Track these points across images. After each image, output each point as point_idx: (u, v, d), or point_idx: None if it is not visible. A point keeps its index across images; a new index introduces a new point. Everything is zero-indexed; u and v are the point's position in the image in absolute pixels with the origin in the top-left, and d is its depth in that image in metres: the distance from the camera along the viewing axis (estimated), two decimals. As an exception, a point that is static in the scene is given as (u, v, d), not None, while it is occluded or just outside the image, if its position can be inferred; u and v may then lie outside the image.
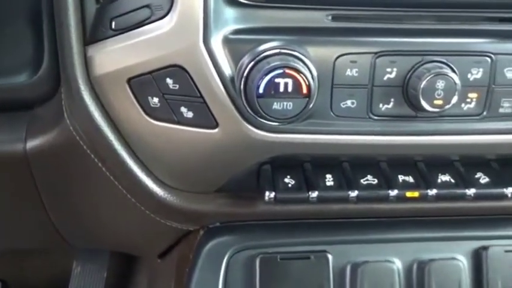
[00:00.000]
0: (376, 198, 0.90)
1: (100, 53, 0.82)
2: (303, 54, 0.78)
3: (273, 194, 0.87)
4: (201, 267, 0.94)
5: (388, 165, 0.93)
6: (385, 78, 0.81)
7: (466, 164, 0.94)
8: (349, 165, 0.92)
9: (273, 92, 0.76)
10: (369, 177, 0.91)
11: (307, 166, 0.91)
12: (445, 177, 0.92)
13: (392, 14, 0.82)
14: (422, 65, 0.80)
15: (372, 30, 0.82)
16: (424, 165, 0.93)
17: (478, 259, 0.98)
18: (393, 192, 0.89)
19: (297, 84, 0.76)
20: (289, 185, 0.89)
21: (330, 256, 0.95)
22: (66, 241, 1.20)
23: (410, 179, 0.91)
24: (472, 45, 0.82)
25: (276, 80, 0.76)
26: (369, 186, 0.90)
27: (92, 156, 0.91)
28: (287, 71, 0.76)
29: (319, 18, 0.82)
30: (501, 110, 0.84)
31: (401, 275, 0.97)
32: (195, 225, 1.00)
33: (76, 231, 1.17)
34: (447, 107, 0.80)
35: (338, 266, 0.95)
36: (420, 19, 0.83)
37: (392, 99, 0.82)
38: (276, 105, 0.77)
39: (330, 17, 0.82)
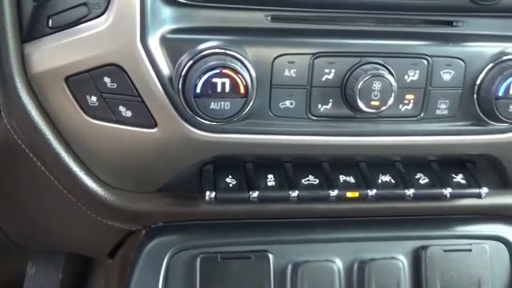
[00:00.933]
0: (317, 198, 0.91)
1: (37, 51, 0.81)
2: (241, 55, 0.78)
3: (213, 194, 0.88)
4: (142, 267, 0.93)
5: (330, 165, 0.94)
6: (323, 79, 0.82)
7: (407, 165, 0.95)
8: (291, 166, 0.93)
9: (210, 92, 0.76)
10: (311, 177, 0.92)
11: (249, 166, 0.92)
12: (385, 178, 0.93)
13: (332, 15, 0.83)
14: (360, 66, 0.81)
15: (310, 31, 0.83)
16: (366, 166, 0.94)
17: (417, 258, 1.00)
18: (333, 192, 0.90)
19: (234, 85, 0.77)
20: (230, 185, 0.89)
21: (270, 256, 0.95)
22: (15, 243, 1.18)
23: (351, 179, 0.92)
24: (409, 48, 0.83)
25: (213, 80, 0.76)
26: (310, 186, 0.91)
27: (31, 155, 0.90)
28: (224, 71, 0.76)
29: (259, 18, 0.82)
30: (438, 112, 0.86)
31: (342, 275, 0.98)
32: (137, 225, 0.99)
33: (23, 233, 1.16)
34: (383, 108, 0.81)
35: (279, 265, 0.96)
36: (359, 21, 0.84)
37: (330, 100, 0.83)
38: (213, 105, 0.77)
39: (269, 18, 0.82)
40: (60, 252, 1.47)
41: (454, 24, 0.86)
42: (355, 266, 0.98)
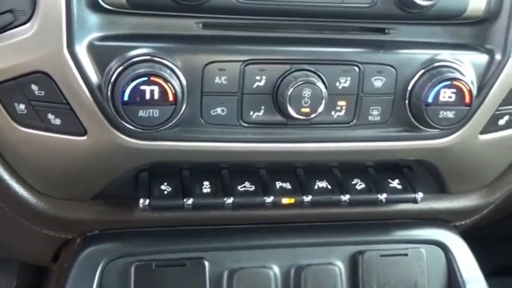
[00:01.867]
0: (252, 205, 0.91)
1: None
2: (170, 62, 0.79)
3: (147, 202, 0.88)
4: (75, 276, 0.93)
5: (268, 171, 0.94)
6: (255, 86, 0.82)
7: (345, 170, 0.96)
8: (229, 172, 0.93)
9: (138, 99, 0.76)
10: (247, 184, 0.92)
11: (185, 173, 0.92)
12: (322, 184, 0.94)
13: (263, 22, 0.84)
14: (290, 73, 0.82)
15: (242, 38, 0.83)
16: (304, 172, 0.95)
17: (354, 263, 1.00)
18: (269, 199, 0.90)
19: (163, 92, 0.77)
20: (165, 192, 0.89)
21: (206, 263, 0.95)
22: None
23: (287, 185, 0.93)
24: (340, 55, 0.84)
25: (142, 88, 0.76)
26: (246, 193, 0.91)
27: None
28: (152, 78, 0.76)
29: (190, 25, 0.82)
30: (370, 118, 0.87)
31: (279, 281, 0.98)
32: (73, 234, 0.99)
33: None
34: (314, 115, 0.82)
35: (215, 272, 0.96)
36: (291, 28, 0.85)
37: (263, 107, 0.84)
38: (142, 113, 0.77)
39: (200, 25, 0.83)
40: (13, 260, 1.45)
41: (386, 31, 0.87)
42: (292, 272, 0.98)
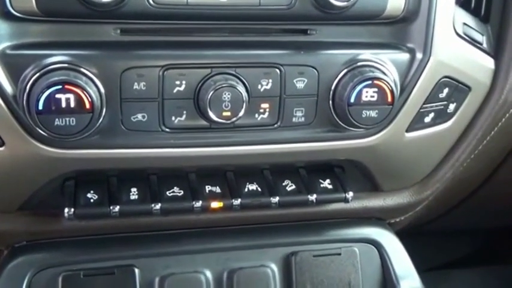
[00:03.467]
0: (181, 210, 0.91)
1: None
2: (87, 69, 0.78)
3: (72, 210, 0.87)
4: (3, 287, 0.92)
5: (197, 176, 0.94)
6: (175, 91, 0.82)
7: (276, 172, 0.97)
8: (158, 178, 0.93)
9: (54, 108, 0.76)
10: (176, 189, 0.92)
11: (113, 180, 0.92)
12: (252, 186, 0.95)
13: (183, 26, 0.84)
14: (211, 77, 0.82)
15: (160, 43, 0.83)
16: (234, 175, 0.95)
17: (287, 265, 1.01)
18: (198, 203, 0.91)
19: (79, 100, 0.76)
20: (91, 200, 0.89)
21: (136, 270, 0.95)
22: None
23: (217, 189, 0.94)
24: (260, 57, 0.85)
25: (57, 96, 0.75)
26: (174, 198, 0.91)
27: None
28: (67, 86, 0.76)
29: (107, 31, 0.82)
30: (294, 120, 0.88)
31: (211, 285, 0.98)
32: (0, 245, 0.97)
33: None
34: (235, 118, 0.82)
35: (146, 279, 0.96)
36: (211, 31, 0.85)
37: (184, 112, 0.84)
38: (58, 121, 0.77)
39: (118, 31, 0.82)
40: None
41: (308, 32, 0.87)
42: (225, 276, 0.99)
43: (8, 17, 0.77)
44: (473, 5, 0.95)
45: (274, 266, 1.01)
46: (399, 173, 1.02)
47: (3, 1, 0.76)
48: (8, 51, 0.77)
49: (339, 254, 1.02)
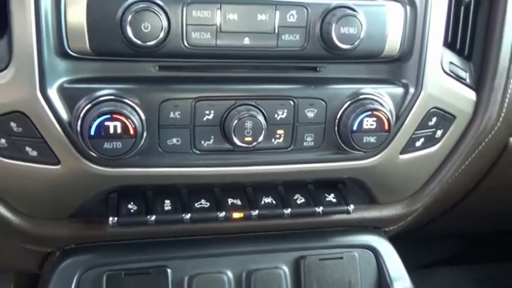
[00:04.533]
0: (207, 219, 0.92)
1: None
2: (131, 100, 0.80)
3: (115, 219, 0.88)
4: (54, 285, 0.92)
5: (221, 190, 0.95)
6: (205, 119, 0.84)
7: (287, 187, 0.97)
8: (187, 192, 0.94)
9: (103, 134, 0.77)
10: (203, 201, 0.93)
11: (149, 193, 0.92)
12: (268, 199, 0.95)
13: (212, 64, 0.85)
14: (235, 107, 0.83)
15: (192, 78, 0.84)
16: (252, 190, 0.96)
17: (297, 267, 1.01)
18: (221, 214, 0.92)
19: (124, 127, 0.78)
20: (132, 210, 0.90)
21: (169, 270, 0.95)
22: None
23: (238, 201, 0.94)
24: (277, 91, 0.86)
25: (106, 123, 0.77)
26: (201, 209, 0.92)
27: None
28: (115, 115, 0.77)
29: (147, 68, 0.83)
30: (305, 144, 0.88)
31: (232, 284, 0.99)
32: (52, 248, 0.98)
33: None
34: (255, 143, 0.84)
35: (176, 279, 0.96)
36: (234, 68, 0.86)
37: (212, 137, 0.85)
38: (106, 145, 0.78)
39: (156, 67, 0.83)
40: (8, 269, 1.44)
41: (317, 69, 0.88)
42: (244, 276, 0.99)
43: (65, 56, 0.78)
44: (458, 46, 0.95)
45: (285, 268, 1.01)
46: (393, 188, 1.02)
47: (62, 43, 0.77)
48: (65, 85, 0.79)
49: (341, 258, 1.03)
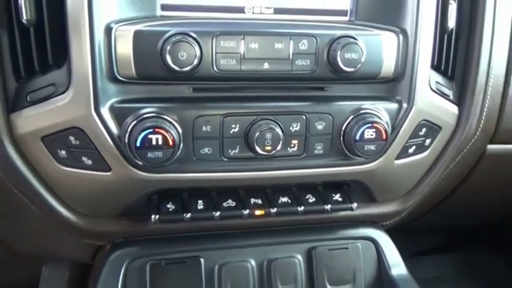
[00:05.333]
0: (233, 216, 0.92)
1: (20, 119, 0.81)
2: (170, 117, 0.80)
3: (157, 217, 0.88)
4: (106, 273, 0.93)
5: (245, 191, 0.95)
6: (231, 132, 0.84)
7: (300, 188, 0.97)
8: (216, 193, 0.93)
9: (147, 145, 0.78)
10: (230, 201, 0.93)
11: (185, 195, 0.92)
12: (284, 199, 0.95)
13: (237, 85, 0.85)
14: (256, 122, 0.84)
15: (221, 98, 0.85)
16: (271, 191, 0.96)
17: (309, 256, 1.01)
18: (245, 212, 0.91)
19: (164, 139, 0.78)
20: (170, 210, 0.89)
21: (202, 260, 0.95)
22: (17, 253, 1.15)
23: (259, 201, 0.93)
24: (292, 108, 0.86)
25: (149, 136, 0.78)
26: (229, 208, 0.92)
27: (20, 195, 0.88)
28: (157, 129, 0.78)
29: (183, 89, 0.84)
30: (315, 152, 0.88)
31: (255, 271, 0.98)
32: (104, 241, 0.98)
33: (28, 249, 1.13)
34: (274, 151, 0.84)
35: (208, 267, 0.96)
36: (256, 88, 0.86)
37: (237, 146, 0.85)
38: (150, 154, 0.79)
39: (191, 89, 0.84)
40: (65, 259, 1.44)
41: (325, 89, 0.88)
42: (265, 264, 0.98)
43: (115, 80, 0.79)
44: (443, 68, 0.95)
45: (300, 257, 1.00)
46: (390, 189, 1.01)
47: (112, 70, 0.78)
48: (115, 105, 0.80)
49: (347, 248, 1.02)
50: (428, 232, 1.81)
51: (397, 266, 1.03)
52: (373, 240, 1.04)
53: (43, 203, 0.88)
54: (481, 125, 1.00)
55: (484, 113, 0.99)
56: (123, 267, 0.93)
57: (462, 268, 1.85)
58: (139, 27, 0.77)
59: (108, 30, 0.76)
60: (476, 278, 1.83)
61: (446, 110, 0.95)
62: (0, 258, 1.28)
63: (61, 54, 0.78)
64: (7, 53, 0.79)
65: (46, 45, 0.78)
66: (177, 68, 0.77)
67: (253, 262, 0.98)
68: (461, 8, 0.94)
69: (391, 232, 1.09)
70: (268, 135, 0.83)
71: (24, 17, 0.75)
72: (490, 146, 1.07)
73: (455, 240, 1.87)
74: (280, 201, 0.94)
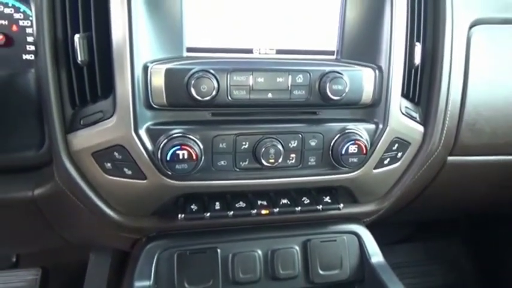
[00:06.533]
0: (244, 215, 0.91)
1: (75, 138, 0.81)
2: (194, 136, 0.80)
3: (182, 216, 0.88)
4: (142, 260, 0.92)
5: (253, 195, 0.94)
6: (242, 148, 0.83)
7: (297, 192, 0.96)
8: (230, 196, 0.93)
9: (175, 159, 0.78)
10: (241, 202, 0.92)
11: (205, 198, 0.92)
12: (284, 200, 0.93)
13: (247, 111, 0.85)
14: (262, 140, 0.84)
15: (234, 121, 0.84)
16: (274, 194, 0.95)
17: (305, 247, 1.00)
18: (254, 211, 0.90)
19: (189, 154, 0.78)
20: (194, 210, 0.89)
21: (219, 250, 0.95)
22: (70, 243, 1.15)
23: (264, 202, 0.92)
24: (290, 128, 0.85)
25: (177, 152, 0.78)
26: (240, 208, 0.91)
27: (74, 198, 0.89)
28: (183, 146, 0.78)
29: (204, 114, 0.83)
30: (309, 163, 0.88)
31: (261, 259, 0.97)
32: (140, 235, 0.98)
33: (77, 238, 1.12)
34: (277, 163, 0.83)
35: (224, 256, 0.95)
36: (261, 113, 0.86)
37: (247, 159, 0.84)
38: (178, 166, 0.79)
39: (210, 114, 0.84)
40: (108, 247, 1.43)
41: (316, 113, 0.88)
42: (269, 253, 0.97)
43: (150, 108, 0.79)
44: (411, 96, 0.94)
45: (297, 248, 0.99)
46: (369, 192, 1.01)
47: (148, 99, 0.78)
48: (150, 127, 0.80)
49: (335, 241, 1.01)
50: (401, 225, 1.80)
51: (376, 255, 1.01)
52: (356, 234, 1.03)
53: (92, 204, 0.88)
54: (442, 141, 0.99)
55: (445, 131, 0.99)
56: (156, 256, 0.92)
57: (428, 254, 1.83)
58: (170, 65, 0.77)
59: (145, 68, 0.77)
60: (440, 262, 1.81)
61: (414, 129, 0.95)
62: (57, 247, 1.28)
63: (108, 88, 0.79)
64: (65, 86, 0.80)
65: (96, 80, 0.79)
66: (199, 98, 0.77)
67: (259, 252, 0.97)
68: (425, 48, 0.94)
69: (371, 226, 1.08)
70: (272, 151, 0.83)
71: (79, 58, 0.76)
72: (450, 158, 1.06)
73: (423, 231, 1.85)
74: (281, 203, 0.93)
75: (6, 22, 0.93)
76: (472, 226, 1.79)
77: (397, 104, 0.89)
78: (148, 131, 0.79)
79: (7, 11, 0.93)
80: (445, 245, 1.85)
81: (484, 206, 1.44)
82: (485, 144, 1.05)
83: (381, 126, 0.89)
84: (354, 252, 1.02)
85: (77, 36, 0.75)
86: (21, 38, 0.93)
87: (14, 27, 0.93)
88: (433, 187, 1.14)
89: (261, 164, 0.83)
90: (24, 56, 0.94)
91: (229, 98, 0.80)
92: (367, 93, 0.86)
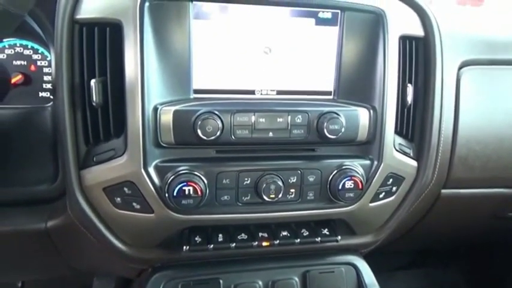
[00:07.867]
0: (245, 247, 0.92)
1: (88, 174, 0.83)
2: (199, 173, 0.82)
3: (187, 247, 0.89)
4: None
5: (254, 227, 0.95)
6: (244, 183, 0.85)
7: (297, 225, 0.97)
8: (232, 228, 0.94)
9: (181, 194, 0.80)
10: (243, 234, 0.93)
11: (209, 230, 0.93)
12: (284, 232, 0.95)
13: (249, 148, 0.87)
14: (263, 176, 0.86)
15: (237, 158, 0.87)
16: (274, 226, 0.96)
17: (304, 278, 1.00)
18: (255, 243, 0.92)
19: (195, 190, 0.81)
20: (198, 241, 0.90)
21: (221, 281, 0.95)
22: (78, 271, 1.15)
23: (265, 234, 0.93)
24: (290, 165, 0.87)
25: (183, 188, 0.80)
26: (242, 240, 0.92)
27: (85, 231, 0.91)
28: (189, 183, 0.80)
29: (209, 152, 0.86)
30: (308, 198, 0.89)
31: None
32: (146, 266, 0.98)
33: (86, 267, 1.13)
34: (277, 198, 0.85)
35: (226, 286, 0.95)
36: (262, 150, 0.88)
37: (249, 194, 0.86)
38: (184, 201, 0.81)
39: (214, 152, 0.86)
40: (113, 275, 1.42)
41: (314, 150, 0.90)
42: (269, 284, 0.97)
43: (159, 146, 0.82)
44: (404, 133, 0.97)
45: (297, 278, 0.99)
46: (366, 225, 1.02)
47: (157, 138, 0.81)
48: (158, 164, 0.82)
49: (333, 272, 1.01)
50: (397, 253, 1.80)
51: (373, 285, 1.02)
52: (353, 265, 1.03)
53: (102, 236, 0.89)
54: (435, 175, 1.01)
55: (437, 166, 1.01)
56: (161, 286, 0.92)
57: (428, 281, 1.82)
58: (178, 107, 0.80)
59: (155, 110, 0.80)
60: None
61: (408, 165, 0.96)
62: (62, 274, 1.29)
63: (120, 127, 0.81)
64: (80, 125, 0.83)
65: (109, 120, 0.82)
66: (205, 138, 0.80)
67: (260, 282, 0.97)
68: (417, 89, 0.97)
69: (371, 253, 1.08)
70: (273, 186, 0.84)
71: (95, 101, 0.79)
72: (443, 191, 1.08)
73: (422, 258, 1.86)
74: (281, 235, 0.93)
75: (25, 62, 0.98)
76: (472, 253, 1.79)
77: (391, 141, 0.91)
78: (157, 167, 0.82)
79: (26, 52, 0.99)
80: (445, 272, 1.84)
81: (480, 236, 1.45)
82: (477, 178, 1.07)
83: (376, 162, 0.91)
84: (352, 283, 1.02)
85: (93, 81, 0.78)
86: (38, 77, 0.98)
87: (32, 67, 0.98)
88: (429, 218, 1.16)
89: (262, 198, 0.85)
90: (41, 94, 0.99)
91: (233, 137, 0.82)
92: (363, 131, 0.88)
